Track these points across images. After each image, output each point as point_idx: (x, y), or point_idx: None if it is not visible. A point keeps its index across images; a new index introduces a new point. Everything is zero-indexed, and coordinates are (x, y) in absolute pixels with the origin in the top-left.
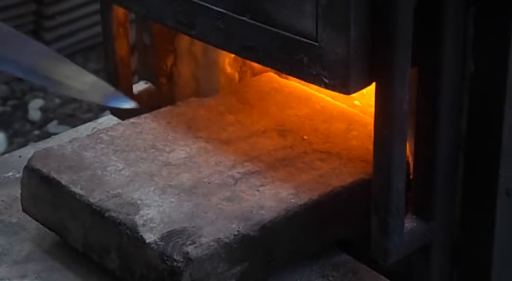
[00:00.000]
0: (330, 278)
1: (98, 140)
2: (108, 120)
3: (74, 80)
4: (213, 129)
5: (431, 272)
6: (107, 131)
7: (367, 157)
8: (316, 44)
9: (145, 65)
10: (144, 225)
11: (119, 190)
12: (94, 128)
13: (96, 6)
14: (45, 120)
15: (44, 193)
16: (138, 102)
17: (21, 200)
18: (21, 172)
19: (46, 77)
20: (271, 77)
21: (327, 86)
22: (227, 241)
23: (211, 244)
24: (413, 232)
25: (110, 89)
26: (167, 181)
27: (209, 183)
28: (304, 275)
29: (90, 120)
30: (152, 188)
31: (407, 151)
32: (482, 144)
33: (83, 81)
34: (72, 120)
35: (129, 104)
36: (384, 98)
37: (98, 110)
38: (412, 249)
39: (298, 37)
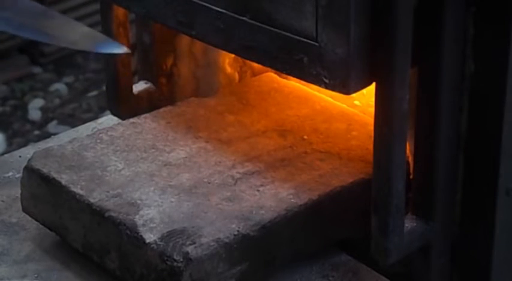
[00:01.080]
0: (330, 278)
1: (98, 140)
2: (108, 120)
3: (65, 31)
4: (213, 129)
5: (431, 272)
6: (107, 131)
7: (367, 157)
8: (316, 44)
9: (145, 65)
10: (144, 225)
11: (119, 190)
12: (94, 128)
13: (96, 6)
14: (45, 120)
15: (44, 193)
16: (138, 103)
17: (21, 200)
18: (21, 172)
19: (37, 30)
20: (271, 77)
21: (327, 86)
22: (227, 241)
23: (211, 244)
24: (413, 232)
25: (101, 36)
26: (167, 181)
27: (209, 183)
28: (304, 275)
29: (90, 120)
30: (152, 188)
31: (407, 151)
32: (482, 144)
33: (74, 32)
34: (72, 120)
35: (121, 49)
36: (384, 98)
37: (98, 110)
38: (412, 249)
39: (298, 37)
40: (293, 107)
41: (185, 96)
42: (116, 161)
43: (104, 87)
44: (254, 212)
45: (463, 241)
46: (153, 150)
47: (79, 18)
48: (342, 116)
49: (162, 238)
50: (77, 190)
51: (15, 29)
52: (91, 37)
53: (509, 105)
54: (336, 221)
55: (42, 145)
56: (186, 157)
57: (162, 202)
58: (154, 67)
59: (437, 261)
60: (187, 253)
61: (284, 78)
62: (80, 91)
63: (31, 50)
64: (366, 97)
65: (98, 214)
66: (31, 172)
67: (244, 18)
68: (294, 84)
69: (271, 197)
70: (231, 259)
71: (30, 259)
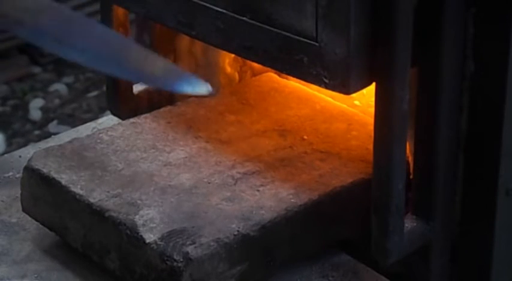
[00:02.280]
0: (330, 278)
1: (98, 140)
2: (108, 120)
3: (145, 65)
4: (213, 129)
5: (431, 272)
6: (107, 131)
7: (367, 157)
8: (316, 44)
9: None
10: (144, 225)
11: (119, 190)
12: (94, 128)
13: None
14: (46, 120)
15: (44, 193)
16: (138, 103)
17: (21, 200)
18: (21, 172)
19: (114, 63)
20: (271, 77)
21: (327, 86)
22: (227, 241)
23: (211, 244)
24: (413, 232)
25: (184, 73)
26: (167, 181)
27: (209, 183)
28: (304, 275)
29: (90, 120)
30: (152, 188)
31: (407, 151)
32: (482, 144)
33: (155, 66)
34: (72, 120)
35: (206, 88)
36: (384, 98)
37: (98, 110)
38: (412, 249)
39: (298, 37)
40: (293, 107)
41: (185, 96)
42: (116, 161)
43: (104, 88)
44: (254, 212)
45: (463, 241)
46: (153, 150)
47: None
48: (342, 116)
49: (162, 238)
50: (77, 190)
51: (90, 61)
52: (173, 73)
53: (509, 105)
54: (336, 221)
55: (42, 145)
56: (186, 157)
57: (162, 202)
58: None
59: (437, 261)
60: (187, 253)
61: (284, 78)
62: (80, 91)
63: (31, 50)
64: (366, 97)
65: (98, 214)
66: (31, 172)
67: (244, 18)
68: (294, 84)
69: (271, 197)
70: (231, 259)
71: (30, 259)
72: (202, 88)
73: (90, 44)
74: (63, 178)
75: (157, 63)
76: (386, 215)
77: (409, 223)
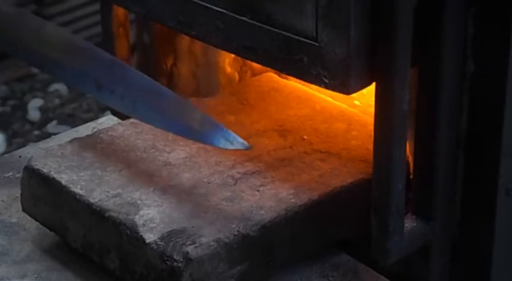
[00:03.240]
0: (330, 278)
1: (98, 140)
2: (108, 120)
3: (181, 116)
4: None
5: (431, 272)
6: (107, 131)
7: (367, 157)
8: (316, 44)
9: (145, 65)
10: (144, 225)
11: (119, 190)
12: (94, 128)
13: (96, 6)
14: (45, 120)
15: (44, 193)
16: None
17: (21, 200)
18: (21, 172)
19: (151, 112)
20: (271, 77)
21: (327, 86)
22: (227, 241)
23: (211, 244)
24: (413, 232)
25: (219, 126)
26: (167, 181)
27: (209, 183)
28: (304, 275)
29: (90, 120)
30: (152, 188)
31: (407, 151)
32: (482, 144)
33: (190, 118)
34: (72, 120)
35: (241, 144)
36: (384, 98)
37: (98, 110)
38: (412, 249)
39: (298, 37)
40: (293, 107)
41: (185, 96)
42: (116, 161)
43: None
44: (254, 212)
45: (463, 241)
46: (153, 150)
47: (79, 19)
48: (342, 116)
49: (162, 238)
50: (77, 190)
51: (128, 109)
52: (210, 126)
53: (509, 105)
54: (336, 221)
55: (42, 145)
56: (186, 157)
57: (162, 202)
58: (154, 67)
59: (437, 261)
60: (187, 253)
61: (284, 78)
62: (80, 91)
63: None
64: (366, 97)
65: (98, 214)
66: (31, 172)
67: (244, 18)
68: (294, 84)
69: (271, 197)
70: (231, 259)
71: (30, 259)
72: (239, 143)
73: (129, 91)
74: (63, 178)
75: (195, 116)
76: (386, 215)
77: (409, 223)
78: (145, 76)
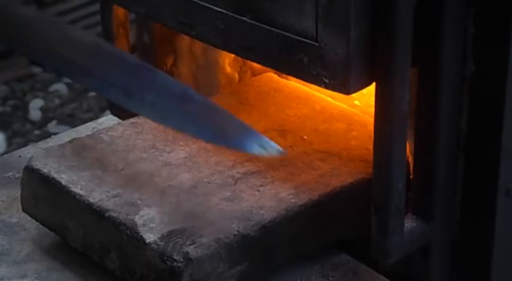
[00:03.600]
0: (330, 278)
1: (98, 140)
2: (108, 120)
3: (213, 122)
4: None
5: (431, 272)
6: (107, 131)
7: (367, 157)
8: (316, 44)
9: None
10: (144, 225)
11: (119, 190)
12: (94, 128)
13: (96, 7)
14: (45, 120)
15: (44, 193)
16: None
17: (21, 200)
18: (21, 172)
19: (183, 119)
20: (271, 77)
21: (327, 86)
22: (227, 241)
23: (211, 244)
24: (413, 232)
25: (254, 132)
26: (167, 181)
27: (209, 183)
28: (304, 275)
29: (90, 120)
30: (152, 188)
31: (407, 151)
32: (482, 144)
33: (227, 125)
34: (72, 120)
35: (277, 150)
36: (384, 98)
37: (98, 110)
38: (412, 249)
39: (298, 37)
40: (293, 107)
41: None
42: (116, 161)
43: None
44: (254, 212)
45: (463, 241)
46: (153, 150)
47: (79, 19)
48: (342, 116)
49: (162, 238)
50: (77, 190)
51: (159, 117)
52: (242, 132)
53: (509, 105)
54: (336, 221)
55: (42, 144)
56: (186, 157)
57: (162, 202)
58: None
59: (437, 261)
60: (187, 253)
61: (284, 78)
62: (80, 91)
63: None
64: (366, 97)
65: (98, 214)
66: (31, 172)
67: (244, 18)
68: (294, 84)
69: (271, 197)
70: (231, 259)
71: (30, 259)
72: (273, 149)
73: (159, 98)
74: (63, 178)
75: (228, 122)
76: (386, 215)
77: (409, 223)
78: (175, 80)
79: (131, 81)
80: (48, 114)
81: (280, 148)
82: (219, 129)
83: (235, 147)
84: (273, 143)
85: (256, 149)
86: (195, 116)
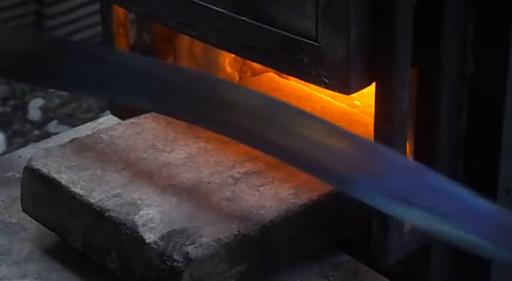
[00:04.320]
0: (330, 278)
1: (98, 140)
2: (108, 120)
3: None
4: None
5: (431, 272)
6: (107, 131)
7: None
8: (316, 44)
9: None
10: (144, 225)
11: (119, 190)
12: (94, 128)
13: (96, 6)
14: (45, 120)
15: (44, 193)
16: None
17: (21, 200)
18: (21, 172)
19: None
20: (271, 77)
21: (327, 86)
22: (227, 241)
23: (211, 244)
24: (413, 232)
25: None
26: (167, 181)
27: (209, 183)
28: (304, 275)
29: (90, 120)
30: (152, 188)
31: (407, 151)
32: (482, 144)
33: None
34: (72, 120)
35: None
36: (384, 98)
37: (98, 110)
38: (412, 249)
39: (298, 37)
40: None
41: None
42: (116, 161)
43: None
44: (254, 212)
45: None
46: (153, 150)
47: (79, 19)
48: (342, 116)
49: (162, 238)
50: (77, 190)
51: (437, 225)
52: None
53: (509, 105)
54: (336, 221)
55: (42, 144)
56: (186, 157)
57: (162, 202)
58: None
59: (437, 261)
60: (187, 253)
61: (284, 78)
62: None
63: None
64: (366, 97)
65: (98, 214)
66: (31, 172)
67: (244, 18)
68: (294, 84)
69: (271, 197)
70: (231, 259)
71: (30, 259)
72: None
73: (437, 202)
74: (63, 178)
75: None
76: (386, 215)
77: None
78: (450, 183)
79: (406, 187)
80: (48, 114)
81: None
82: None
83: None
84: None
85: None
86: (486, 229)
